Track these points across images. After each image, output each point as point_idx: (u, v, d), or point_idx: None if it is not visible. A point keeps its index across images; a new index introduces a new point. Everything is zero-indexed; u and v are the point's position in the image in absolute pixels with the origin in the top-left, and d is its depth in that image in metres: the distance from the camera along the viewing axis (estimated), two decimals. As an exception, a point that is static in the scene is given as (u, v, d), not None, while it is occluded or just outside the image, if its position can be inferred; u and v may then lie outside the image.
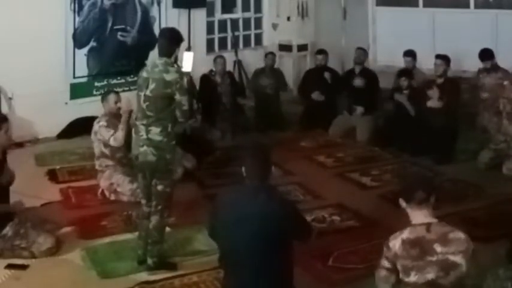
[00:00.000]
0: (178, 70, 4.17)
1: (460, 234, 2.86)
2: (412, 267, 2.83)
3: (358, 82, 7.70)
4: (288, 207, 3.15)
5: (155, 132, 4.13)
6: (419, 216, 2.93)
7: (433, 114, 6.70)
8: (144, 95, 4.17)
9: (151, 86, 4.13)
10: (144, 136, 4.16)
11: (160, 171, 4.20)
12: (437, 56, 6.99)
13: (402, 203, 3.00)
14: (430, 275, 2.81)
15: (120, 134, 5.27)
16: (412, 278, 2.83)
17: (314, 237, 3.27)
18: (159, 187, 4.22)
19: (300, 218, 3.24)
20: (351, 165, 6.68)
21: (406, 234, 2.90)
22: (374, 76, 7.93)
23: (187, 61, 4.49)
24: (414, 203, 2.94)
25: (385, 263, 2.95)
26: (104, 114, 5.68)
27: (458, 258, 2.80)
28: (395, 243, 2.90)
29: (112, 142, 5.39)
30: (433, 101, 6.74)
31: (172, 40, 4.27)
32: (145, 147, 4.16)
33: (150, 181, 4.26)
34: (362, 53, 8.00)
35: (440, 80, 6.85)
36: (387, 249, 2.93)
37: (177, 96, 4.09)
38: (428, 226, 2.87)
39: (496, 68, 7.26)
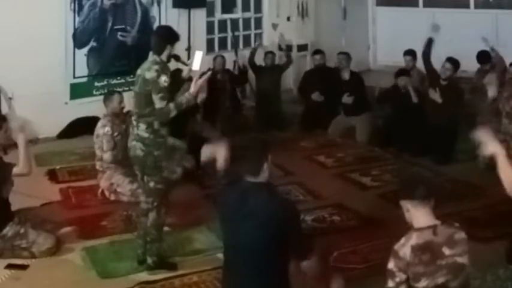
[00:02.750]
0: (159, 69, 4.13)
1: (463, 234, 2.83)
2: (424, 273, 2.76)
3: (347, 99, 7.64)
4: (286, 207, 3.09)
5: (142, 128, 4.20)
6: (422, 216, 2.84)
7: (434, 109, 6.71)
8: (134, 91, 4.33)
9: (138, 83, 4.24)
10: (135, 131, 4.25)
11: (148, 167, 4.24)
12: (448, 59, 6.91)
13: (405, 204, 2.88)
14: (440, 280, 2.76)
15: (108, 155, 5.55)
16: (422, 283, 2.75)
17: (314, 260, 3.04)
18: (151, 184, 4.26)
19: (299, 230, 3.08)
20: (351, 165, 6.68)
21: (414, 239, 2.79)
22: (360, 81, 7.87)
23: (196, 60, 4.50)
24: (418, 199, 2.85)
25: (401, 276, 2.76)
26: (106, 114, 5.69)
27: (464, 260, 2.78)
28: (405, 251, 2.77)
29: (104, 157, 5.58)
30: (435, 95, 6.75)
31: (162, 38, 4.28)
32: (134, 142, 4.24)
33: (142, 176, 4.33)
34: (344, 57, 7.84)
35: (444, 83, 6.84)
36: (398, 259, 2.78)
37: (153, 95, 4.11)
38: (434, 229, 2.80)
39: (494, 67, 7.25)
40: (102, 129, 5.59)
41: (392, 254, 2.82)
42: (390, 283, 2.80)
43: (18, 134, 4.54)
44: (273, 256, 2.98)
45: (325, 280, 3.10)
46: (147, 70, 4.16)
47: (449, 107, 6.68)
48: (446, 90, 6.76)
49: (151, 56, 4.25)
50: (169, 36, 4.31)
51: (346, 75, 7.80)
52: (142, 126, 4.18)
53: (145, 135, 4.18)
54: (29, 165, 4.49)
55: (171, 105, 4.11)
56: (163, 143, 4.27)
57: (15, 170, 4.46)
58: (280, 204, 3.06)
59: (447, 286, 2.77)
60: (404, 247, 2.80)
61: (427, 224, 2.84)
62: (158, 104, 4.08)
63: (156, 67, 4.14)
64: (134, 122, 4.26)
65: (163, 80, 4.09)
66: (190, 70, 4.53)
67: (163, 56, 4.22)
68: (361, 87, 7.82)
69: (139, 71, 4.29)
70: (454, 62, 6.88)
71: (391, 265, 2.81)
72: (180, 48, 4.49)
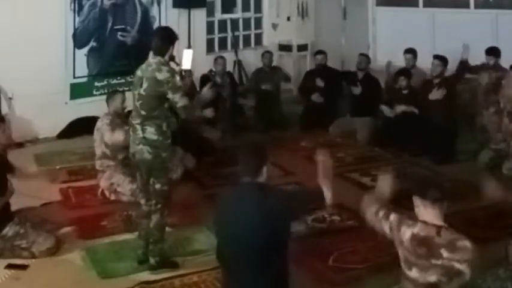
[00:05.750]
0: (170, 69, 4.19)
1: (467, 243, 2.83)
2: (415, 264, 2.83)
3: (356, 90, 7.68)
4: (280, 203, 3.09)
5: (150, 131, 4.18)
6: (430, 216, 2.90)
7: (435, 108, 6.72)
8: (138, 93, 4.22)
9: (145, 85, 4.18)
10: (141, 135, 4.20)
11: (156, 170, 4.23)
12: (435, 57, 7.03)
13: (416, 200, 2.96)
14: (433, 278, 2.79)
15: (120, 134, 5.33)
16: (414, 274, 2.84)
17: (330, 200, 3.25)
18: (157, 186, 4.24)
19: (298, 199, 3.27)
20: (351, 165, 6.68)
21: (417, 228, 2.88)
22: (376, 83, 7.89)
23: (186, 58, 4.52)
24: (429, 200, 2.91)
25: (386, 227, 3.02)
26: (107, 113, 5.69)
27: (463, 267, 2.78)
28: (405, 231, 2.91)
29: (115, 137, 5.44)
30: (434, 93, 6.78)
31: (165, 39, 4.30)
32: (141, 146, 4.20)
33: (147, 179, 4.29)
34: (364, 59, 7.95)
35: (437, 81, 6.90)
36: (397, 230, 2.95)
37: (170, 95, 4.13)
38: (439, 230, 2.84)
39: (497, 67, 7.25)
40: (101, 121, 5.62)
41: (397, 222, 2.98)
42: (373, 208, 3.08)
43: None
44: (271, 256, 2.98)
45: None
46: (157, 71, 4.13)
47: (448, 97, 6.73)
48: (441, 85, 6.84)
49: (154, 57, 4.23)
50: (171, 37, 4.34)
51: (360, 76, 7.87)
52: (151, 128, 4.17)
53: (154, 137, 4.17)
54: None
55: (195, 102, 4.29)
56: (170, 144, 4.29)
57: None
58: (273, 201, 3.06)
59: (439, 287, 2.79)
60: (407, 228, 2.92)
61: (433, 223, 2.87)
62: (181, 102, 4.12)
63: (166, 68, 4.16)
64: (138, 126, 4.21)
65: (178, 79, 4.16)
66: (180, 69, 4.57)
67: (166, 57, 4.24)
68: (373, 88, 7.80)
69: (140, 73, 4.26)
70: (441, 58, 6.93)
71: (392, 217, 3.02)
72: (180, 48, 4.49)
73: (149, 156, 4.19)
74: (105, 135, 5.50)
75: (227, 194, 3.25)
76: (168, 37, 4.32)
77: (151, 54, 4.31)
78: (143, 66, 4.31)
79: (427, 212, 2.92)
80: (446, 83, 6.94)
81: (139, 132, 4.20)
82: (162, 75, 4.12)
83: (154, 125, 4.17)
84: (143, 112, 4.19)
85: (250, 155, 3.17)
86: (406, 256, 2.87)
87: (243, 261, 3.00)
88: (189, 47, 8.09)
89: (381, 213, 3.08)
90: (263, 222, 2.95)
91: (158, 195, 4.26)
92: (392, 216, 3.01)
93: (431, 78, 7.03)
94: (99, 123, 5.63)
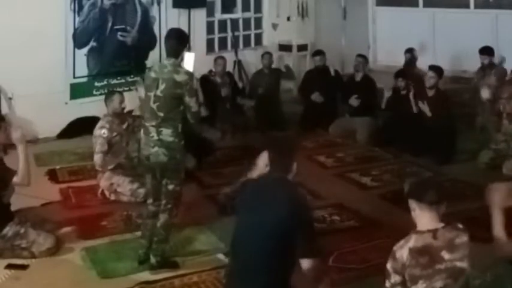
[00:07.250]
0: (188, 71, 4.20)
1: (464, 238, 2.82)
2: (421, 276, 2.76)
3: (354, 101, 7.62)
4: (303, 208, 3.13)
5: (166, 133, 4.15)
6: (426, 219, 2.85)
7: (425, 119, 6.71)
8: (154, 95, 4.17)
9: (162, 86, 4.14)
10: (155, 137, 4.17)
11: (171, 171, 4.22)
12: (431, 68, 6.89)
13: (412, 204, 2.91)
14: (438, 283, 2.75)
15: (98, 157, 5.52)
16: (420, 286, 2.76)
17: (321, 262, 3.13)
18: (170, 186, 4.24)
19: (311, 229, 3.15)
20: (351, 165, 6.68)
21: (412, 242, 2.81)
22: (372, 84, 7.82)
23: (188, 62, 4.53)
24: (425, 203, 2.86)
25: (396, 278, 2.80)
26: (106, 114, 5.69)
27: (464, 264, 2.77)
28: (402, 253, 2.80)
29: (94, 158, 5.56)
30: (424, 108, 6.73)
31: (181, 41, 4.31)
32: (156, 148, 4.17)
33: (160, 181, 4.27)
34: (361, 60, 7.86)
35: (431, 93, 6.79)
36: (394, 260, 2.81)
37: (186, 98, 4.12)
38: (434, 233, 2.80)
39: (492, 66, 7.27)
40: (100, 130, 5.58)
41: (391, 255, 2.85)
42: (386, 283, 2.84)
43: (19, 144, 4.50)
44: (285, 250, 2.98)
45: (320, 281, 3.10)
46: (175, 73, 4.11)
47: (439, 118, 6.62)
48: (434, 101, 6.70)
49: (169, 59, 4.21)
50: (185, 39, 4.41)
51: (358, 77, 7.83)
52: (167, 130, 4.15)
53: (170, 139, 4.15)
54: (28, 177, 4.51)
55: (202, 108, 4.36)
56: (184, 146, 4.27)
57: (15, 180, 4.48)
58: (298, 200, 3.11)
59: None
60: (402, 249, 2.82)
61: (429, 227, 2.83)
62: (194, 107, 4.15)
63: (183, 70, 4.18)
64: (152, 128, 4.18)
65: (195, 82, 4.20)
66: None
67: (180, 59, 4.25)
68: (371, 90, 7.77)
69: (155, 74, 4.21)
70: (436, 70, 6.84)
71: (388, 265, 2.84)
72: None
73: (165, 158, 4.16)
74: (96, 149, 5.55)
75: (256, 183, 3.28)
76: (183, 39, 4.36)
77: (152, 55, 4.31)
78: (156, 67, 4.30)
79: (424, 215, 2.86)
80: (440, 100, 6.74)
81: (154, 134, 4.17)
82: (180, 77, 4.11)
83: (171, 126, 4.15)
84: (161, 114, 4.15)
85: (282, 151, 3.22)
86: (411, 273, 2.77)
87: (259, 250, 2.99)
88: (189, 47, 8.10)
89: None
90: (288, 215, 2.96)
91: (170, 195, 4.26)
92: (388, 266, 2.86)
93: (425, 88, 6.87)
94: (97, 132, 5.60)
